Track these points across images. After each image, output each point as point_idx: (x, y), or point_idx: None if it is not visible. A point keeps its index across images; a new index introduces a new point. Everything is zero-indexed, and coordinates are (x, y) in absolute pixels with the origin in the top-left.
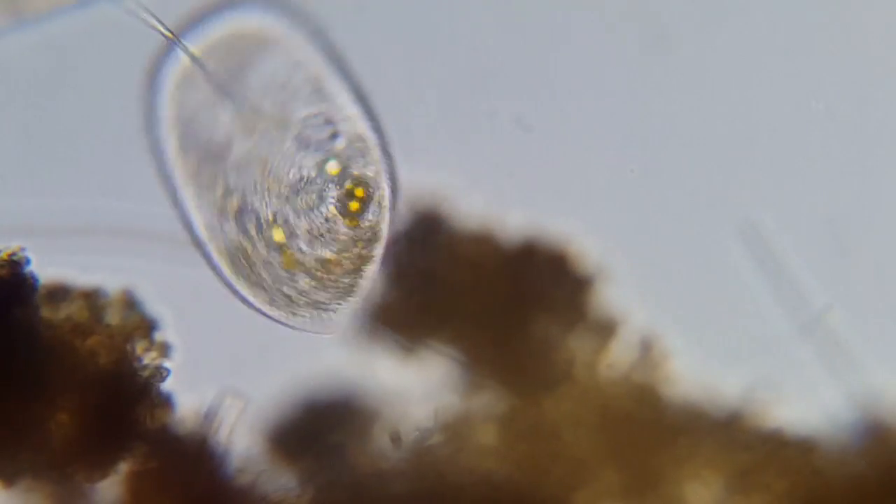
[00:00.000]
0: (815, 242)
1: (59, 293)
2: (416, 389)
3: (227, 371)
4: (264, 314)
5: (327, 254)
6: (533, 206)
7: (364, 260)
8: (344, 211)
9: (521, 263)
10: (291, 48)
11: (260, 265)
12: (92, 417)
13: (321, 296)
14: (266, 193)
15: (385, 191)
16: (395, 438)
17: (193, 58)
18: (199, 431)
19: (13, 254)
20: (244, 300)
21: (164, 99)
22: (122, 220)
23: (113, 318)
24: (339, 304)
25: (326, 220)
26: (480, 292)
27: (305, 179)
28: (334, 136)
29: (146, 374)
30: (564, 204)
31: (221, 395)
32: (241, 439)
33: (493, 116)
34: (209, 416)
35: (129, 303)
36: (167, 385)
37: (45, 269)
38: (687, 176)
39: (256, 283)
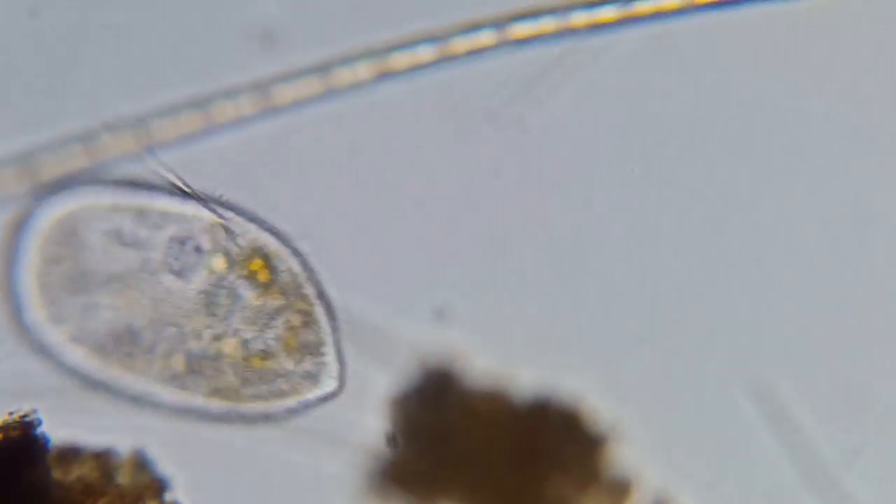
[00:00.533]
0: (828, 402)
1: (70, 454)
2: None
3: None
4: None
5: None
6: (544, 365)
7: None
8: (259, 286)
9: (533, 421)
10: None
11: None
12: None
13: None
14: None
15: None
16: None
17: (217, 214)
18: None
19: (25, 415)
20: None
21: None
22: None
23: (124, 478)
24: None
25: (254, 305)
26: (492, 450)
27: (207, 294)
28: (197, 248)
29: None
30: (576, 362)
31: None
32: None
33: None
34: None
35: (140, 463)
36: None
37: (57, 430)
38: (697, 335)
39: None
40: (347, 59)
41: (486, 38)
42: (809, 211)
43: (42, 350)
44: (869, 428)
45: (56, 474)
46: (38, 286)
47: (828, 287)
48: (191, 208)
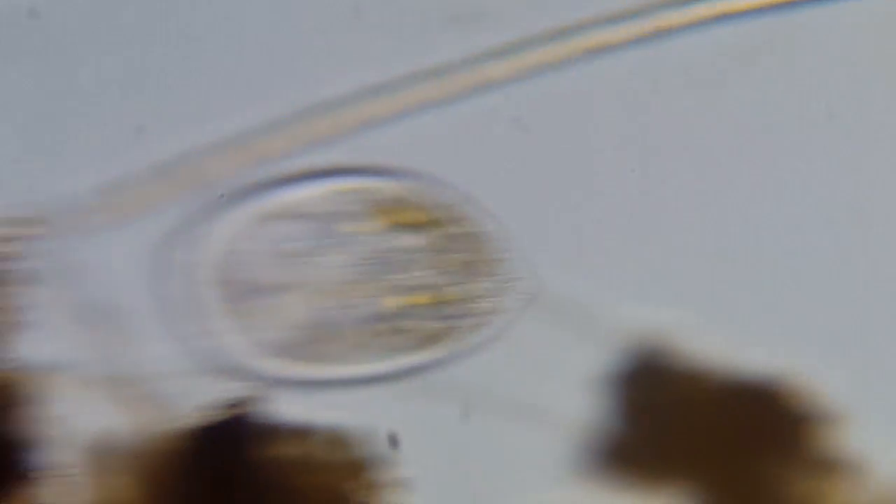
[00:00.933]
0: None
1: (295, 431)
2: None
3: None
4: None
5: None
6: (770, 344)
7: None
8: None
9: (756, 403)
10: None
11: None
12: None
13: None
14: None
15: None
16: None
17: None
18: None
19: (250, 394)
20: None
21: None
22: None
23: (327, 456)
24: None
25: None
26: (716, 432)
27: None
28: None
29: None
30: (801, 341)
31: None
32: None
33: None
34: None
35: (344, 441)
36: None
37: (272, 408)
38: None
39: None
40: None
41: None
42: None
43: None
44: None
45: (281, 451)
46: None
47: None
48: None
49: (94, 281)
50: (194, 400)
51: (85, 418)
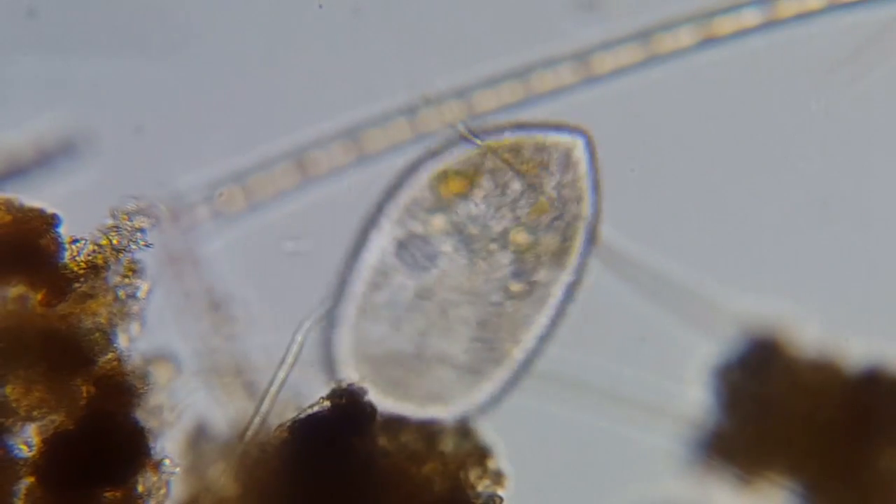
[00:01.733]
0: None
1: (396, 422)
2: None
3: (559, 498)
4: None
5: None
6: (875, 333)
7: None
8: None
9: (863, 392)
10: None
11: None
12: None
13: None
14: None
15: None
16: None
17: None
18: None
19: (352, 384)
20: None
21: None
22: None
23: (447, 446)
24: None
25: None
26: (819, 421)
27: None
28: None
29: (480, 502)
30: None
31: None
32: None
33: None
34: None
35: (463, 431)
36: None
37: (383, 399)
38: None
39: None
40: (668, 25)
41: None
42: None
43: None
44: None
45: (381, 441)
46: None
47: None
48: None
49: (207, 271)
50: (302, 391)
51: (194, 407)
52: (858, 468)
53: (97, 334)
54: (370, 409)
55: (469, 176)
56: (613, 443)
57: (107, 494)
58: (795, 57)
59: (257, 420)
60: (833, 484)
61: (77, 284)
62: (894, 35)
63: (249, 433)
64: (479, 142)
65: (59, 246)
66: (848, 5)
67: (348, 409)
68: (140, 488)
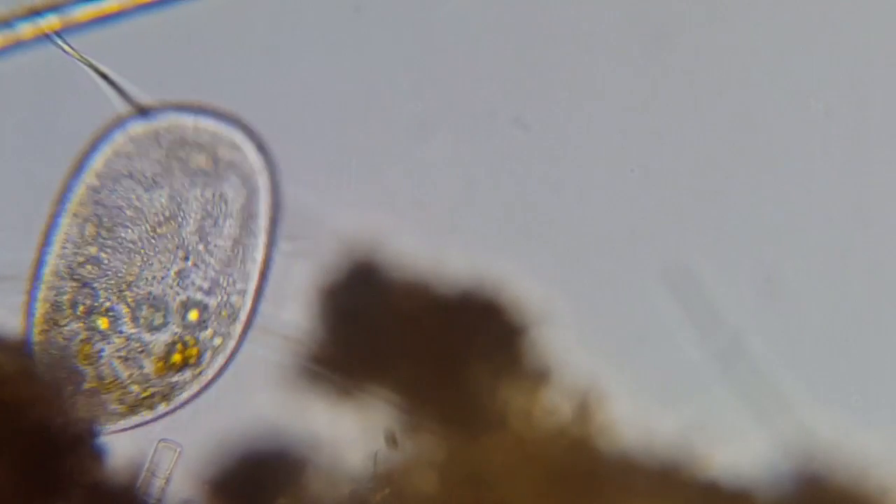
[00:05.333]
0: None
1: None
2: (352, 435)
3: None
4: None
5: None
6: (471, 249)
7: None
8: (163, 356)
9: (458, 308)
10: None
11: None
12: (19, 472)
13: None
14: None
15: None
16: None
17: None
18: (134, 483)
19: None
20: None
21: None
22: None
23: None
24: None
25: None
26: (418, 337)
27: (153, 298)
28: (214, 283)
29: (79, 424)
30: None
31: (156, 444)
32: (176, 490)
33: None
34: (144, 466)
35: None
36: (100, 436)
37: None
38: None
39: None
40: None
41: None
42: None
43: None
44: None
45: None
46: None
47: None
48: None
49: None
50: None
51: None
52: (452, 382)
53: None
54: None
55: None
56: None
57: None
58: None
59: None
60: (428, 396)
61: None
62: None
63: None
64: (74, 53)
65: None
66: None
67: None
68: None
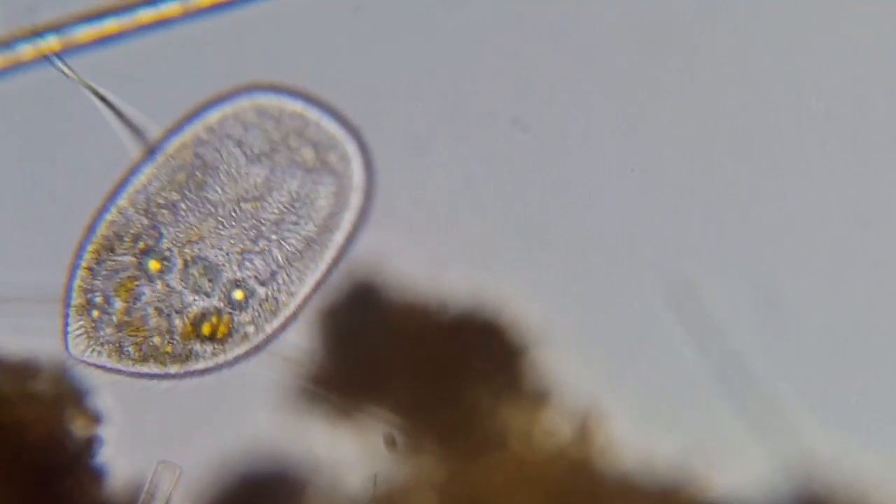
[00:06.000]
0: (747, 303)
1: None
2: (351, 455)
3: (158, 440)
4: None
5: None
6: (471, 269)
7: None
8: (195, 321)
9: (457, 330)
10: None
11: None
12: (22, 491)
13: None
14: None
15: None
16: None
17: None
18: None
19: None
20: None
21: None
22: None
23: (43, 387)
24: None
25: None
26: (418, 359)
27: (209, 264)
28: (272, 276)
29: (78, 444)
30: (501, 268)
31: (156, 465)
32: None
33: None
34: (144, 488)
35: (60, 371)
36: (100, 456)
37: None
38: (618, 240)
39: None
40: None
41: None
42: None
43: None
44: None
45: None
46: None
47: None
48: None
49: None
50: None
51: None
52: (451, 403)
53: None
54: None
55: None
56: (217, 376)
57: None
58: None
59: None
60: (429, 417)
61: None
62: None
63: None
64: (72, 74)
65: None
66: None
67: None
68: None
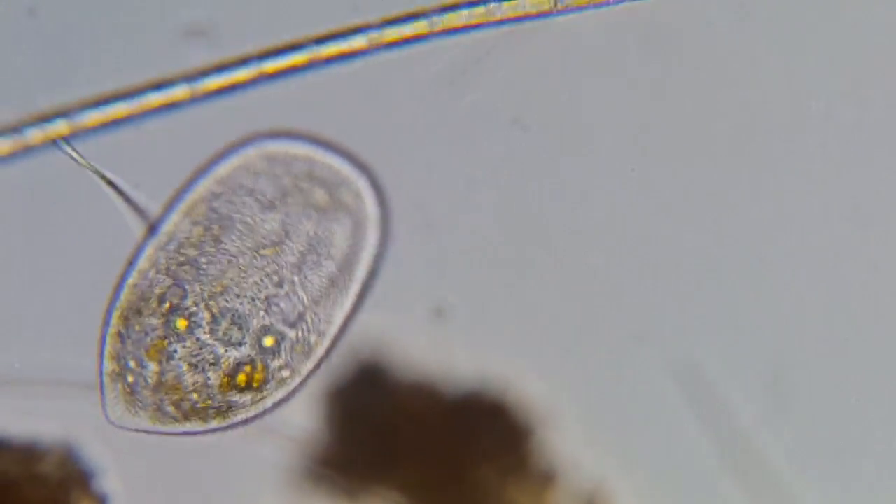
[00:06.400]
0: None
1: None
2: None
3: None
4: None
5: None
6: (477, 350)
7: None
8: (230, 372)
9: (464, 411)
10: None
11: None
12: None
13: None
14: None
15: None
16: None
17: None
18: None
19: None
20: None
21: None
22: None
23: (49, 469)
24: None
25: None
26: (422, 440)
27: (236, 314)
28: (300, 317)
29: None
30: (507, 348)
31: None
32: None
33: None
34: None
35: (66, 454)
36: None
37: None
38: (627, 318)
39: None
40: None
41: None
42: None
43: None
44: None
45: None
46: None
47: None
48: None
49: None
50: None
51: None
52: (458, 483)
53: None
54: None
55: None
56: (221, 457)
57: None
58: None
59: None
60: (434, 495)
61: None
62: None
63: None
64: (81, 160)
65: None
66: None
67: None
68: None
